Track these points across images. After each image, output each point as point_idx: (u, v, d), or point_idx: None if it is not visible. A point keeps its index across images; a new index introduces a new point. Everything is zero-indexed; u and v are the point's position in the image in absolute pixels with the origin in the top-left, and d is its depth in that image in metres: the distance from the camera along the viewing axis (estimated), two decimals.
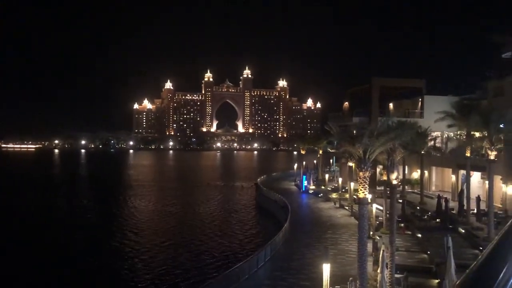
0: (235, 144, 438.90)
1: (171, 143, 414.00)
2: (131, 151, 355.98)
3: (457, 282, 1.07)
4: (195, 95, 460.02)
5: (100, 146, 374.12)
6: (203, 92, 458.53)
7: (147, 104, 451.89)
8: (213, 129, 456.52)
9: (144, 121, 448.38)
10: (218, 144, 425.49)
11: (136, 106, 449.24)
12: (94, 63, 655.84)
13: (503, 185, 42.26)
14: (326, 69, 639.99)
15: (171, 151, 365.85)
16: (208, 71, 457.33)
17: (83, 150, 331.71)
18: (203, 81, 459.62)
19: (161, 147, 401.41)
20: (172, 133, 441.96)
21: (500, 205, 42.10)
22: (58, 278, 34.07)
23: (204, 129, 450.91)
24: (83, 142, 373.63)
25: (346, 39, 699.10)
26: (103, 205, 70.40)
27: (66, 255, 40.24)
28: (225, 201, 76.17)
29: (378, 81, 66.47)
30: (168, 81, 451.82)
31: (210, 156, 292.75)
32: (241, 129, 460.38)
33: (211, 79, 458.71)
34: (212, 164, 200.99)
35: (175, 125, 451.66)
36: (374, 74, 71.33)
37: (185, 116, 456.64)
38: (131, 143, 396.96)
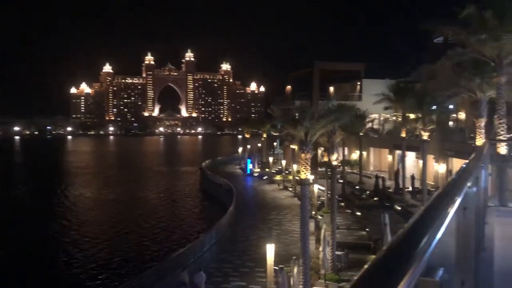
0: (179, 129, 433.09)
1: (111, 129, 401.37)
2: (69, 137, 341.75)
3: (383, 248, 1.14)
4: (135, 79, 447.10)
5: (36, 133, 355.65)
6: (144, 75, 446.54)
7: (85, 88, 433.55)
8: (155, 113, 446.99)
9: (83, 106, 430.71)
10: (161, 129, 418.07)
11: (73, 90, 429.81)
12: (28, 46, 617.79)
13: (435, 164, 44.76)
14: (269, 53, 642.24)
15: (111, 137, 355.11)
16: (149, 54, 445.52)
17: (17, 137, 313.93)
18: (143, 64, 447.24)
19: (101, 132, 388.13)
20: (113, 118, 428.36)
21: (432, 183, 44.63)
22: None
23: (146, 114, 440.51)
24: (16, 128, 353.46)
25: (288, 23, 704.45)
26: (41, 195, 67.36)
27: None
28: (169, 186, 75.32)
29: (319, 65, 67.77)
30: (107, 64, 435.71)
31: (153, 141, 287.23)
32: (184, 113, 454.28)
33: (152, 62, 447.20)
34: (155, 149, 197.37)
35: (115, 110, 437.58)
36: (316, 58, 72.66)
37: (125, 101, 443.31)
38: (69, 129, 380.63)
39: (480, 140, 21.98)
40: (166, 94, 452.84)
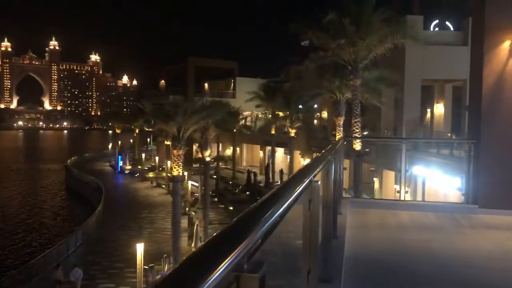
0: (41, 123, 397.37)
1: None
2: None
3: (223, 228, 1.14)
4: None
5: None
6: (0, 63, 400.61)
7: None
8: (13, 105, 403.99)
9: None
10: (20, 123, 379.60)
11: None
12: None
13: (302, 159, 47.77)
14: (142, 46, 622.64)
15: None
16: (6, 39, 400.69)
17: None
18: None
19: None
20: None
21: None
22: None
23: (2, 106, 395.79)
24: None
25: (163, 15, 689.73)
26: None
27: None
28: (31, 186, 68.77)
29: (194, 60, 67.64)
30: None
31: (11, 136, 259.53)
32: (48, 106, 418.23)
33: (9, 49, 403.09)
34: (13, 145, 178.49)
35: None
36: (190, 53, 72.23)
37: None
38: None
39: (339, 137, 23.99)
40: (26, 84, 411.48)
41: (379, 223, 6.96)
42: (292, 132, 39.57)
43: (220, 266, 0.99)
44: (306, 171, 2.75)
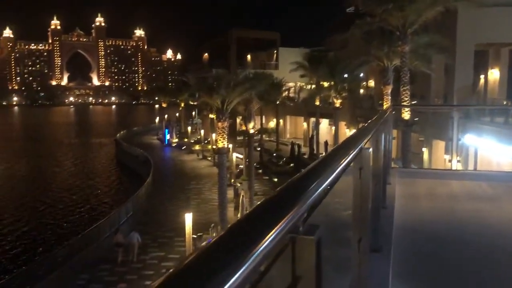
0: (91, 98, 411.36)
1: (15, 99, 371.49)
2: None
3: (276, 190, 1.11)
4: (40, 45, 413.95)
5: None
6: (50, 41, 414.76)
7: None
8: (64, 82, 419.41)
9: None
10: (71, 99, 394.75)
11: None
12: None
13: (347, 130, 47.04)
14: (185, 20, 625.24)
15: (16, 108, 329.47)
16: (55, 17, 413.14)
17: None
18: (49, 29, 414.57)
19: (4, 103, 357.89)
20: (16, 88, 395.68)
21: None
22: None
23: (54, 83, 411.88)
24: None
25: None
26: None
27: None
28: (83, 159, 71.86)
29: (235, 32, 67.31)
30: (7, 28, 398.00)
31: (63, 112, 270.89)
32: (96, 82, 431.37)
33: (58, 27, 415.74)
34: (65, 120, 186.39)
35: (19, 79, 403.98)
36: (233, 25, 71.78)
37: (30, 68, 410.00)
38: None
39: (387, 106, 23.35)
40: (75, 61, 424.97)
41: (429, 193, 6.84)
42: (337, 103, 38.85)
43: (278, 227, 0.98)
44: (356, 138, 2.68)
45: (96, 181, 53.41)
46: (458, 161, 26.19)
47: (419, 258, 4.27)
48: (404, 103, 21.14)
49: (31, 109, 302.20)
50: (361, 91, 48.53)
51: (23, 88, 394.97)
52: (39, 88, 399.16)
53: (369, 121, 4.15)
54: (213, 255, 0.79)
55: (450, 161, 26.65)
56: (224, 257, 0.79)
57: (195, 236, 18.77)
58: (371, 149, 2.79)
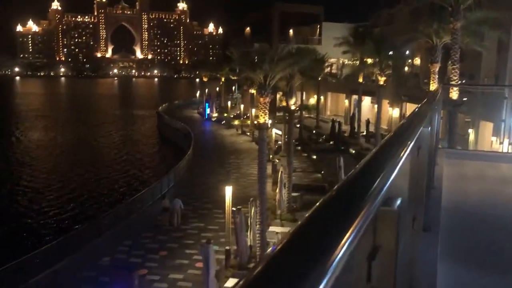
0: (134, 71, 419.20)
1: (62, 70, 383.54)
2: (17, 78, 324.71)
3: (335, 186, 1.12)
4: (86, 17, 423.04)
5: None
6: (95, 13, 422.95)
7: (32, 26, 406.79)
8: (109, 54, 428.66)
9: (30, 45, 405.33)
10: (115, 71, 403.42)
11: (19, 28, 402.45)
12: None
13: (390, 109, 45.98)
14: None
15: (63, 79, 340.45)
16: None
17: None
18: (95, 2, 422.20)
19: (52, 74, 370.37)
20: (63, 59, 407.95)
21: (386, 127, 46.06)
22: None
23: (99, 55, 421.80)
24: None
25: None
26: None
27: None
28: (126, 130, 73.89)
29: (278, 6, 66.39)
30: (55, 0, 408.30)
31: (107, 83, 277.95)
32: (139, 54, 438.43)
33: (104, 0, 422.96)
34: (109, 92, 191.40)
35: (65, 50, 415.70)
36: None
37: (76, 40, 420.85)
38: (16, 69, 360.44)
39: (433, 85, 22.59)
40: (119, 34, 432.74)
41: (478, 175, 6.72)
42: (381, 80, 37.87)
43: (364, 200, 1.01)
44: (418, 117, 2.65)
45: (139, 152, 54.88)
46: (511, 143, 25.15)
47: (467, 239, 4.26)
48: (453, 82, 20.37)
49: (77, 80, 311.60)
50: (406, 69, 47.12)
51: (69, 60, 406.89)
52: (84, 60, 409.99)
53: (424, 100, 4.07)
54: (314, 225, 0.83)
55: (501, 143, 25.63)
56: (321, 233, 0.83)
57: (234, 209, 19.08)
58: (429, 128, 2.76)
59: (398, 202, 1.31)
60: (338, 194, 1.02)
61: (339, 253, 0.75)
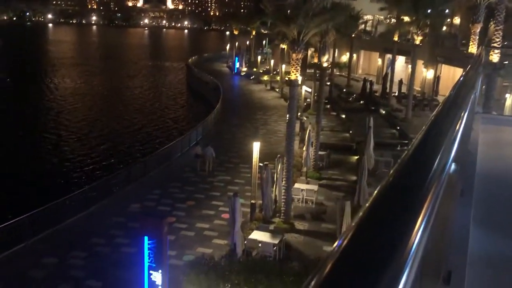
0: (164, 22, 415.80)
1: (93, 18, 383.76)
2: (50, 25, 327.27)
3: (391, 172, 1.07)
4: None
5: (14, 19, 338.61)
6: None
7: None
8: (140, 4, 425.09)
9: None
10: (146, 21, 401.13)
11: None
12: None
13: (424, 70, 44.63)
14: None
15: (94, 27, 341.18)
16: None
17: None
18: None
19: (83, 22, 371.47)
20: (95, 7, 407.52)
21: (419, 89, 44.91)
22: None
23: (130, 4, 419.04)
24: None
25: None
26: (23, 84, 66.16)
27: None
28: (155, 81, 74.39)
29: None
30: None
31: (137, 33, 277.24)
32: (170, 5, 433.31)
33: None
34: (140, 42, 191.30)
35: None
36: None
37: None
38: (49, 16, 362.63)
39: (473, 47, 21.73)
40: None
41: None
42: (417, 40, 36.52)
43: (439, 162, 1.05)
44: (468, 83, 2.61)
45: (168, 105, 55.41)
46: None
47: (501, 205, 4.25)
48: (495, 44, 19.51)
49: (108, 29, 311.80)
50: (444, 28, 45.26)
51: (101, 8, 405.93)
52: (116, 9, 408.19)
53: (469, 66, 3.95)
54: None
55: None
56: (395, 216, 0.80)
57: (261, 165, 19.28)
58: (477, 92, 2.71)
59: (453, 167, 1.31)
60: (404, 171, 1.02)
61: (417, 234, 0.71)
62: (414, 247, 0.70)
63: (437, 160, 1.04)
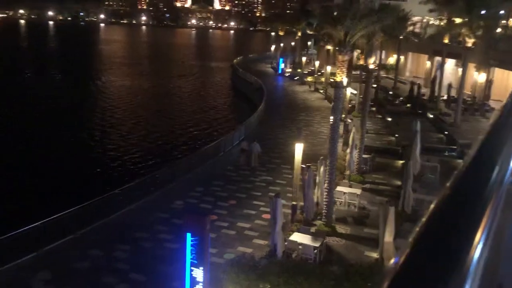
0: (211, 22, 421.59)
1: (143, 18, 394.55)
2: (102, 25, 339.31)
3: (448, 184, 1.06)
4: None
5: (69, 19, 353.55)
6: None
7: None
8: (188, 4, 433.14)
9: None
10: (193, 21, 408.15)
11: None
12: None
13: (476, 73, 42.98)
14: None
15: (143, 27, 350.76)
16: None
17: (51, 22, 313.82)
18: None
19: (134, 22, 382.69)
20: (145, 7, 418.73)
21: (469, 93, 43.32)
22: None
23: (178, 4, 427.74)
24: (50, 13, 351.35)
25: None
26: (77, 82, 69.05)
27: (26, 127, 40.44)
28: (201, 81, 75.62)
29: None
30: None
31: (185, 33, 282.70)
32: (217, 5, 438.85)
33: None
34: (187, 42, 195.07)
35: None
36: None
37: None
38: (101, 16, 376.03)
39: None
40: None
41: None
42: (469, 42, 35.24)
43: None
44: None
45: (213, 105, 56.19)
46: None
47: None
48: None
49: (157, 29, 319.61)
50: (499, 30, 43.40)
51: (150, 9, 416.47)
52: (165, 9, 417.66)
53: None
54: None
55: None
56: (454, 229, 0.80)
57: (303, 166, 19.21)
58: None
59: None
60: (462, 182, 1.02)
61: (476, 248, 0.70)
62: (475, 262, 0.68)
63: (495, 171, 1.04)
